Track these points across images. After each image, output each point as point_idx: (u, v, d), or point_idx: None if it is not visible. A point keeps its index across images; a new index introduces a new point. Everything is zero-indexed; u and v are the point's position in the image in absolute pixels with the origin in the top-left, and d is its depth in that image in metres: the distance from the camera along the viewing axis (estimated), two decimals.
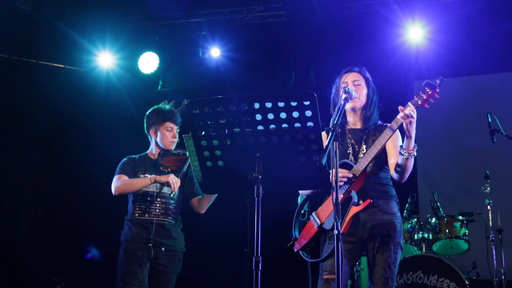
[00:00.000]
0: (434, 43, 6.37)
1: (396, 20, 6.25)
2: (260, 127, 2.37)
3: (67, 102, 6.97)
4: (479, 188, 5.30)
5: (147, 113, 3.92)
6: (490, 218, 5.19)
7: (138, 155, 3.89)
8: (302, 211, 3.25)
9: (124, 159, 3.86)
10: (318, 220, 3.08)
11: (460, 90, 6.41)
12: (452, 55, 6.24)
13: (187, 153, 3.69)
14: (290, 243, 3.23)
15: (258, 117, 2.34)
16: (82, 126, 7.01)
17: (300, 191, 3.26)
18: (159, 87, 7.30)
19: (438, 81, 2.88)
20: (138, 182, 3.64)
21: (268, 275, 2.82)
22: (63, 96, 6.97)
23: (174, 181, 3.55)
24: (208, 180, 2.58)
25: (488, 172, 5.28)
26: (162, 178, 3.58)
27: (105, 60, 7.11)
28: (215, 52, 6.97)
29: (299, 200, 3.30)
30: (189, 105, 2.38)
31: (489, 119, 5.03)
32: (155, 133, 3.84)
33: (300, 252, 3.17)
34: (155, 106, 3.91)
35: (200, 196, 3.86)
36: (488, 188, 5.22)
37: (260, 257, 2.34)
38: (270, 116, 2.33)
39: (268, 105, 2.31)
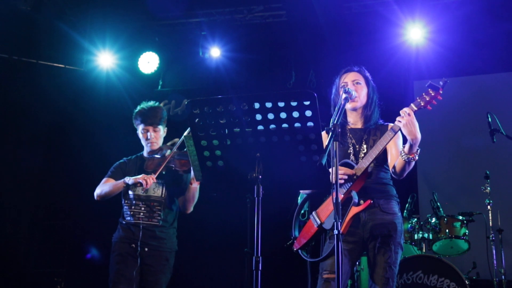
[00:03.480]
0: (434, 43, 6.36)
1: (396, 20, 6.24)
2: (260, 127, 2.37)
3: (67, 102, 6.97)
4: (479, 188, 5.30)
5: None
6: (490, 218, 5.18)
7: (135, 156, 3.94)
8: (302, 211, 3.25)
9: (119, 161, 3.91)
10: (318, 220, 3.08)
11: (460, 90, 6.40)
12: (452, 55, 6.24)
13: (168, 152, 3.69)
14: (290, 242, 3.23)
15: (258, 117, 2.34)
16: (82, 126, 7.00)
17: (300, 191, 3.26)
18: (159, 87, 7.30)
19: (441, 83, 2.86)
20: (113, 186, 3.68)
21: (268, 275, 2.82)
22: (63, 96, 6.97)
23: (146, 179, 3.52)
24: (208, 180, 2.59)
25: (488, 172, 5.28)
26: (132, 180, 3.57)
27: (105, 60, 7.11)
28: (215, 52, 6.97)
29: (299, 200, 3.30)
30: (189, 105, 2.38)
31: (489, 119, 5.03)
32: (138, 136, 3.91)
33: (299, 251, 3.17)
34: (137, 108, 3.93)
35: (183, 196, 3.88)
36: (488, 188, 5.21)
37: (260, 257, 2.34)
38: (270, 116, 2.33)
39: (268, 105, 2.31)
